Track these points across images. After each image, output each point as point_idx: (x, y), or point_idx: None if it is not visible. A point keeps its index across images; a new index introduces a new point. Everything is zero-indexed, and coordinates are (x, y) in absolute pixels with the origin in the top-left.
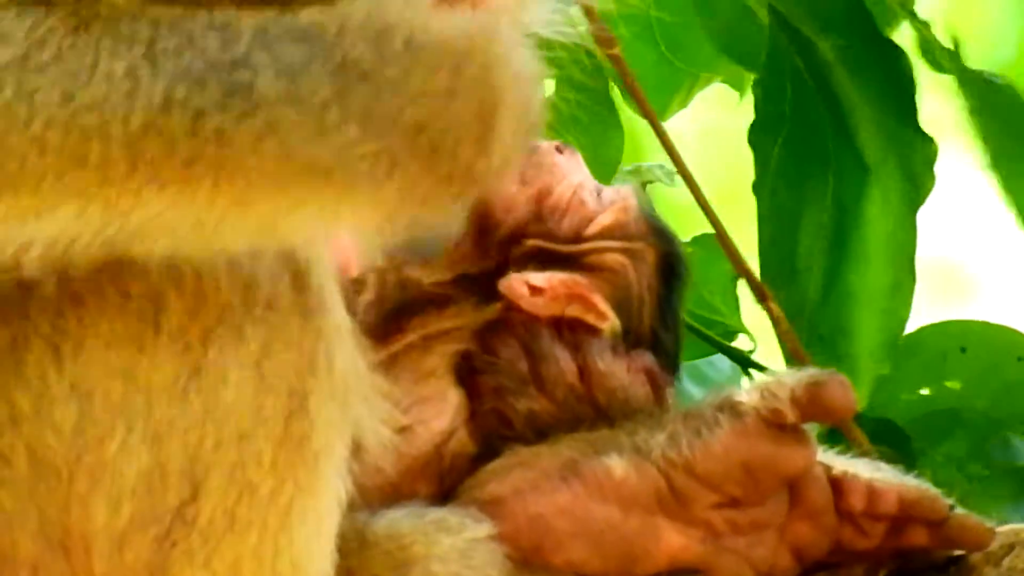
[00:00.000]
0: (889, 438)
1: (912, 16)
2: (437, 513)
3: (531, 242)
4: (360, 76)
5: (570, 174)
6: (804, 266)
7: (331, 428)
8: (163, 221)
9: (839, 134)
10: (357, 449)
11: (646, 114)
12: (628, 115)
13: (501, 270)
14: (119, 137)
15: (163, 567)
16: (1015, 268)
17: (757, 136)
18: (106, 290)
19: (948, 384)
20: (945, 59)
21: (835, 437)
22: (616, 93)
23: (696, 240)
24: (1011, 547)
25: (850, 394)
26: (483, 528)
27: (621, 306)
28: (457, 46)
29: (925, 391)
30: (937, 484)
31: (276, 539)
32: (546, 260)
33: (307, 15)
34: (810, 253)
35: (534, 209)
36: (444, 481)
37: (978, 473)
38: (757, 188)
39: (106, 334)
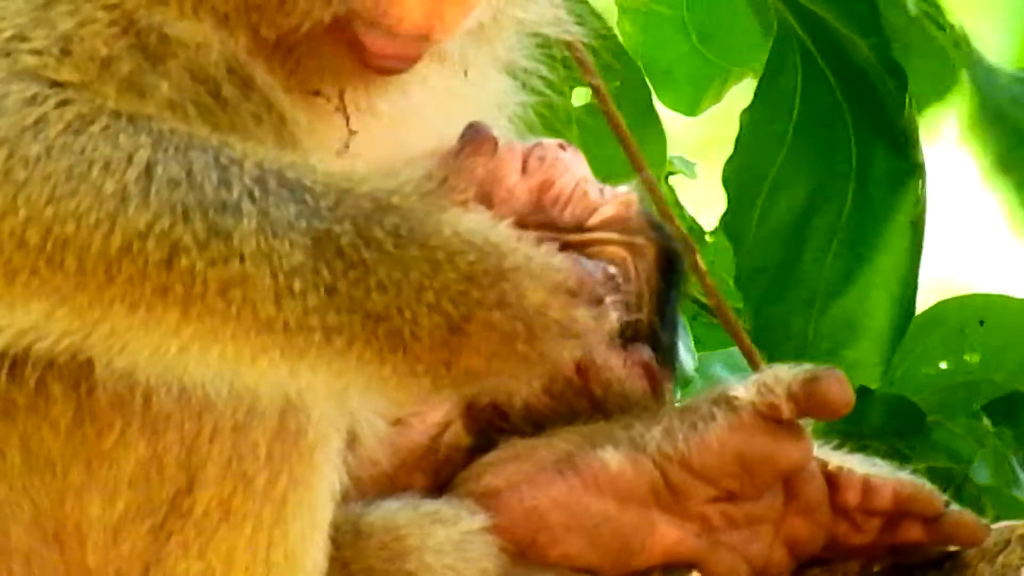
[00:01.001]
0: (903, 415)
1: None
2: (432, 505)
3: (532, 234)
4: (336, 252)
5: (573, 168)
6: (812, 261)
7: (326, 421)
8: (128, 338)
9: (870, 133)
10: (352, 441)
11: (613, 126)
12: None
13: None
14: (97, 250)
15: (158, 558)
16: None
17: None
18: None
19: (967, 357)
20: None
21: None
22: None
23: (718, 230)
24: (1006, 543)
25: (847, 389)
26: (478, 520)
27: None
28: (444, 251)
29: (944, 364)
30: (955, 458)
31: (271, 531)
32: None
33: (312, 175)
34: (821, 250)
35: (535, 200)
36: (439, 473)
37: (995, 435)
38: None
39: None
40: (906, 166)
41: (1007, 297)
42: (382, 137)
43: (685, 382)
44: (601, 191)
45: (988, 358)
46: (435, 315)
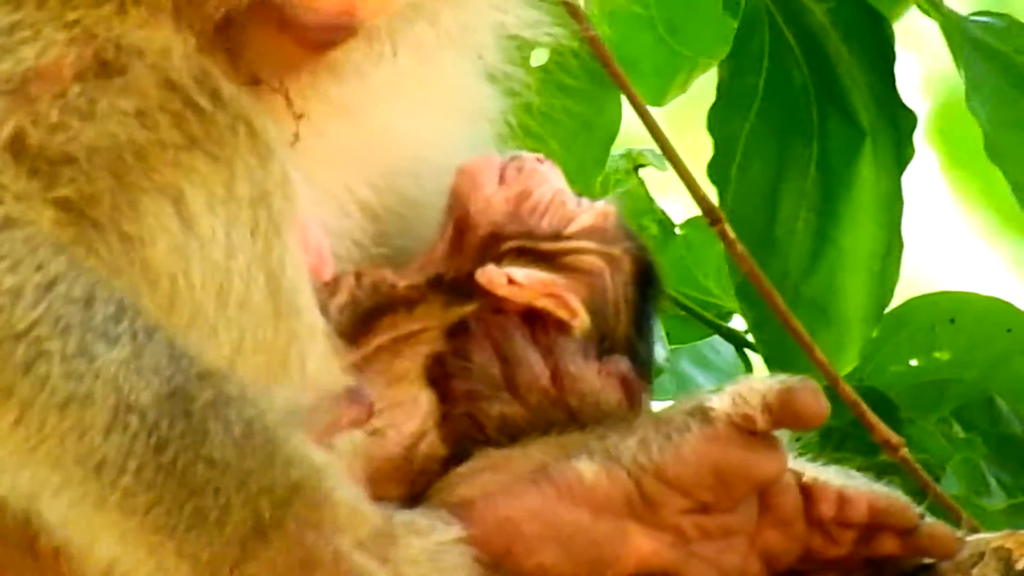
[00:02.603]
0: (877, 407)
1: None
2: (407, 515)
3: (509, 243)
4: (184, 412)
5: (551, 179)
6: (785, 232)
7: None
8: None
9: (828, 99)
10: (329, 451)
11: (629, 96)
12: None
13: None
14: None
15: None
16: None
17: (722, 115)
18: None
19: (937, 355)
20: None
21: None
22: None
23: (690, 222)
24: (980, 556)
25: (821, 400)
26: (453, 531)
27: (596, 309)
28: (285, 457)
29: (914, 362)
30: (926, 455)
31: None
32: (524, 259)
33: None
34: (791, 220)
35: (513, 209)
36: (415, 484)
37: (965, 442)
38: (717, 169)
39: None
40: (857, 135)
41: (976, 295)
42: (335, 124)
43: (657, 371)
44: (579, 202)
45: (958, 356)
46: (248, 510)
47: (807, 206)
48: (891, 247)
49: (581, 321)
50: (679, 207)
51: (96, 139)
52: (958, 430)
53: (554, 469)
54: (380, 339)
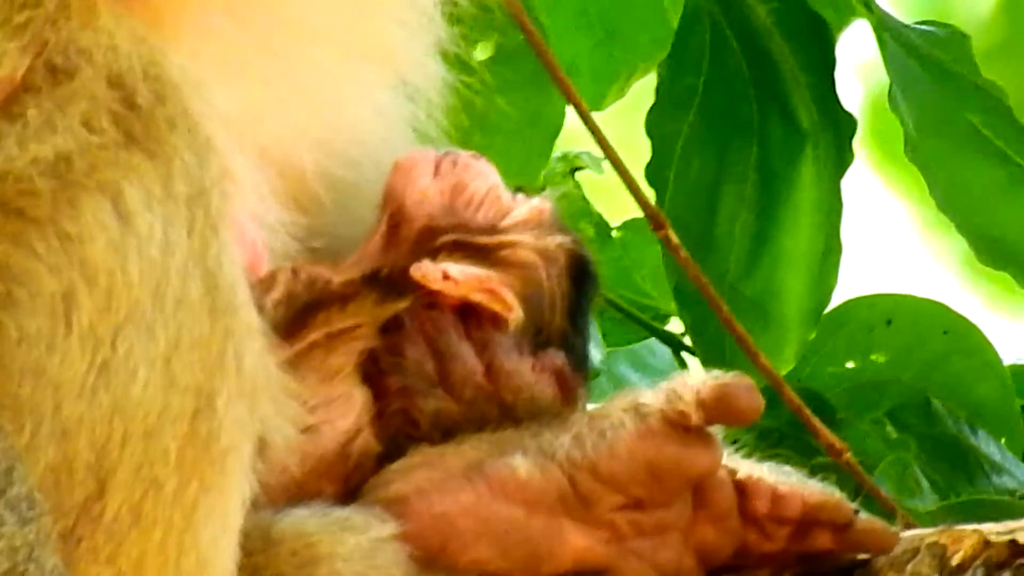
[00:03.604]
0: (815, 410)
1: None
2: (342, 512)
3: (444, 237)
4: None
5: (486, 174)
6: (724, 233)
7: (238, 427)
8: None
9: (769, 100)
10: (263, 448)
11: (571, 99)
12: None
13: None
14: None
15: (68, 563)
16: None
17: (661, 116)
18: (14, 290)
19: (874, 357)
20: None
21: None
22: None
23: (627, 224)
24: (915, 551)
25: (755, 396)
26: (388, 528)
27: (532, 303)
28: None
29: (851, 364)
30: (862, 455)
31: (181, 537)
32: (459, 253)
33: None
34: (731, 222)
35: (448, 203)
36: (349, 480)
37: (898, 442)
38: (655, 170)
39: (16, 332)
40: (797, 136)
41: (913, 297)
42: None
43: (594, 373)
44: (514, 197)
45: (895, 358)
46: None
47: (747, 207)
48: (830, 249)
49: (516, 315)
50: (615, 209)
51: (41, 150)
52: (891, 431)
53: (488, 466)
54: (314, 335)
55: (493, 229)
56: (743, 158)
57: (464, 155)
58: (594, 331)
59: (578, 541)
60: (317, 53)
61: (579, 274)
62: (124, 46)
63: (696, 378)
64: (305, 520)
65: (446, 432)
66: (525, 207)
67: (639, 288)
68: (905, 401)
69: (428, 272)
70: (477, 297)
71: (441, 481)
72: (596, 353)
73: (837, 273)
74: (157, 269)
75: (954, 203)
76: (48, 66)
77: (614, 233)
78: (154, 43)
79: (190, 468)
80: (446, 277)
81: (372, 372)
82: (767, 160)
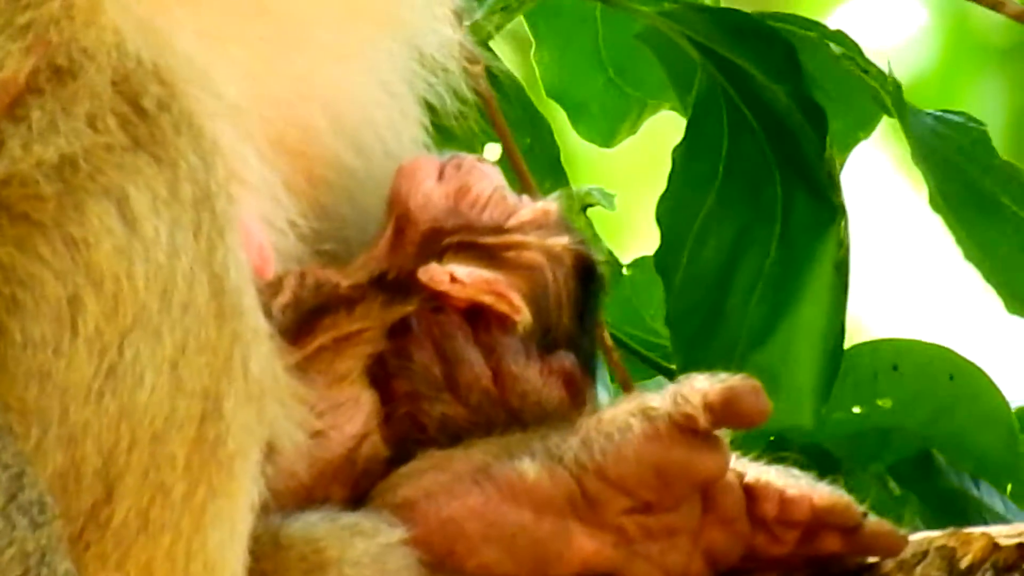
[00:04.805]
0: (818, 461)
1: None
2: (351, 517)
3: (449, 238)
4: None
5: (490, 176)
6: (737, 304)
7: (246, 431)
8: None
9: (794, 178)
10: (271, 452)
11: (506, 148)
12: (574, 140)
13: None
14: None
15: (76, 569)
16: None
17: (676, 201)
18: (20, 295)
19: (880, 402)
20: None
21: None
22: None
23: (635, 263)
24: (923, 554)
25: (763, 399)
26: (396, 532)
27: (538, 305)
28: None
29: (857, 409)
30: (865, 503)
31: (189, 542)
32: (465, 254)
33: None
34: (746, 293)
35: (452, 205)
36: (358, 485)
37: (903, 493)
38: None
39: (21, 336)
40: (826, 212)
41: (920, 342)
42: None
43: None
44: (519, 198)
45: (900, 404)
46: None
47: (765, 281)
48: (839, 311)
49: (523, 317)
50: (624, 248)
51: (45, 152)
52: (895, 487)
53: (496, 469)
54: (321, 339)
55: (498, 230)
56: (765, 236)
57: (468, 158)
58: (601, 370)
59: (586, 544)
60: (322, 16)
61: (585, 274)
62: (129, 44)
63: (703, 381)
64: (314, 525)
65: (454, 436)
66: (530, 208)
67: (648, 327)
68: (908, 455)
69: (435, 275)
70: (484, 299)
71: (449, 485)
72: (603, 393)
73: (844, 333)
74: (163, 273)
75: (978, 258)
76: (52, 67)
77: (624, 271)
78: (160, 34)
79: (198, 473)
80: (453, 279)
81: (379, 376)
82: (790, 236)
